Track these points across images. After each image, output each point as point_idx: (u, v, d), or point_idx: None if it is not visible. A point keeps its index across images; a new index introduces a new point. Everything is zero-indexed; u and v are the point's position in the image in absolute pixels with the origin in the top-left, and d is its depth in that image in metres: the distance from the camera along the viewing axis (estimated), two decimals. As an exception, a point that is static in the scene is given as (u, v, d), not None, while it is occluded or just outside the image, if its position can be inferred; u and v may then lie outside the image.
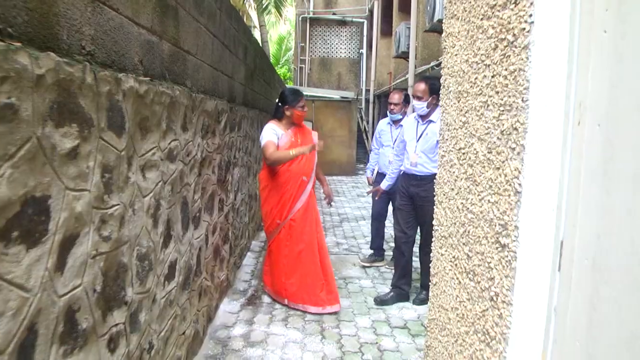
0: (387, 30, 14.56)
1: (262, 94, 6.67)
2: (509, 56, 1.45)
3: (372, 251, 5.39)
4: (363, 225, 7.00)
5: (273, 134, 3.97)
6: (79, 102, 1.51)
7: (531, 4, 1.34)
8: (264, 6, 16.32)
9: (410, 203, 4.15)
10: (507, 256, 1.46)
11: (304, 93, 12.36)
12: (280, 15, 16.81)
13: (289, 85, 19.65)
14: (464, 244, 1.81)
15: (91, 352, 1.63)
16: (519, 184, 1.40)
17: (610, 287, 1.12)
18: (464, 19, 1.82)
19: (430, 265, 2.28)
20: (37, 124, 1.29)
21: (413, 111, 4.34)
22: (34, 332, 1.29)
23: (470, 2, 1.77)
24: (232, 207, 4.48)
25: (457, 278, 1.88)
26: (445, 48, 2.05)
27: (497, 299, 1.52)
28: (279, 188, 3.99)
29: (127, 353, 1.95)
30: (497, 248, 1.52)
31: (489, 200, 1.58)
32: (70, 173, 1.47)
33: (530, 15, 1.34)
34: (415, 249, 4.37)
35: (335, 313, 3.90)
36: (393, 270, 4.49)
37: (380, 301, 4.18)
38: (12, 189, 1.18)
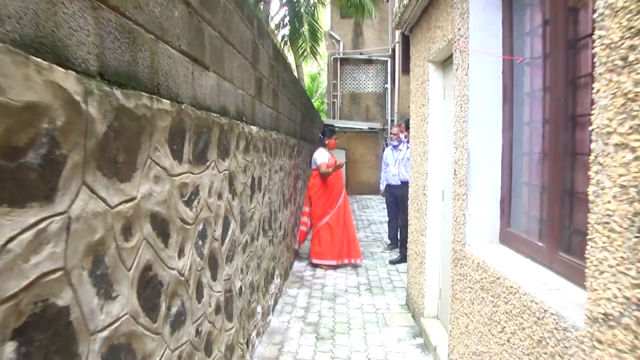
0: (407, 67, 16.93)
1: (309, 129, 9.23)
2: (423, 125, 3.96)
3: (389, 241, 7.64)
4: (385, 225, 9.41)
5: (326, 156, 6.49)
6: (265, 145, 4.06)
7: (428, 107, 3.85)
8: (300, 52, 19.04)
9: (395, 201, 6.74)
10: (425, 198, 3.94)
11: (337, 125, 15.02)
12: (317, 60, 19.47)
13: (323, 117, 22.33)
14: (416, 201, 4.30)
15: (278, 222, 4.16)
16: (427, 170, 3.89)
17: (451, 203, 3.63)
18: (415, 104, 4.35)
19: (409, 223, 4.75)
20: (261, 153, 3.85)
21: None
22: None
23: (417, 97, 4.30)
24: (298, 206, 7.01)
25: (416, 217, 4.36)
26: (410, 113, 4.56)
27: (424, 214, 4.00)
28: (329, 190, 6.42)
29: (279, 241, 4.48)
30: (423, 196, 4.01)
31: (421, 179, 4.08)
32: (264, 170, 4.02)
33: (429, 111, 3.86)
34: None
35: (358, 265, 6.37)
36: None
37: (392, 262, 6.58)
38: (260, 173, 3.73)
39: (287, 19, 19.75)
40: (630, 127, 1.24)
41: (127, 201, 1.50)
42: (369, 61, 21.28)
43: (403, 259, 6.50)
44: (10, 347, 0.98)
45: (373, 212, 11.67)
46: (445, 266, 3.80)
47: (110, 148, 1.40)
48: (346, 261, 6.35)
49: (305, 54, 19.77)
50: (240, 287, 3.12)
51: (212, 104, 2.53)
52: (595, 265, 1.40)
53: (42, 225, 1.09)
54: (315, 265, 6.30)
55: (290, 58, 23.05)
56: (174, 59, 1.96)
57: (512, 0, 2.63)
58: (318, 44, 20.15)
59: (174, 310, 1.91)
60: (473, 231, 2.76)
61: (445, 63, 3.74)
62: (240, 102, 3.23)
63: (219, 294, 2.60)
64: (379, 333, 4.16)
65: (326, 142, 6.68)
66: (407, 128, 6.71)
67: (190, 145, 2.12)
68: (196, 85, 2.25)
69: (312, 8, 19.07)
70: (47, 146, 1.11)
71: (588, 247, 1.45)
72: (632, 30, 1.22)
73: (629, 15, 1.23)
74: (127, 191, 1.51)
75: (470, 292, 2.66)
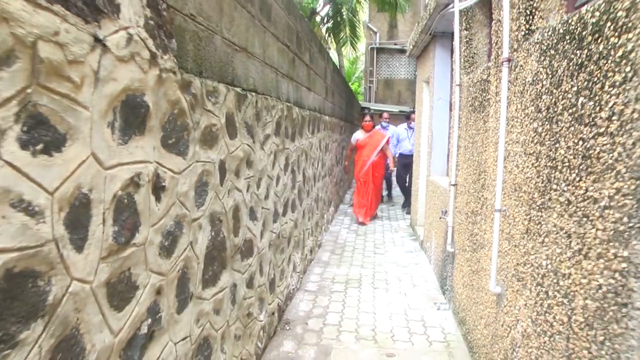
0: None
1: (350, 112, 12.28)
2: (420, 116, 7.05)
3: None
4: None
5: (354, 138, 9.00)
6: (329, 125, 7.20)
7: (422, 107, 6.93)
8: (342, 43, 21.97)
9: (404, 169, 9.54)
10: (419, 157, 7.05)
11: (372, 107, 18.28)
12: (355, 50, 22.35)
13: (360, 99, 25.24)
14: (416, 160, 7.40)
15: (316, 190, 7.33)
16: (420, 142, 6.99)
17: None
18: (417, 103, 7.43)
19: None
20: (328, 131, 6.99)
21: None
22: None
23: (418, 100, 7.37)
24: (342, 166, 10.12)
25: (416, 170, 7.46)
26: (415, 108, 7.62)
27: (418, 166, 7.11)
28: (357, 161, 9.07)
29: (333, 184, 7.64)
30: (418, 157, 7.11)
31: (418, 147, 7.18)
32: (329, 140, 7.16)
33: (422, 109, 6.94)
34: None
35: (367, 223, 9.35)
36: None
37: (403, 206, 9.65)
38: (328, 141, 6.89)
39: (330, 12, 22.64)
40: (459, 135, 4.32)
41: (300, 145, 4.67)
42: (402, 51, 23.98)
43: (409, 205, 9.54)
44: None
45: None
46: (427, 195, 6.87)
47: (297, 127, 4.56)
48: (360, 219, 8.46)
49: (345, 44, 22.72)
50: (322, 197, 6.31)
51: (312, 106, 5.65)
52: (452, 165, 4.49)
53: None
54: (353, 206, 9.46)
55: (333, 46, 25.79)
56: (304, 91, 5.07)
57: (452, 62, 5.65)
58: (357, 37, 23.02)
59: (315, 194, 5.10)
60: (433, 170, 5.85)
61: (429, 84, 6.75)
62: (320, 103, 6.34)
63: (314, 196, 5.79)
64: (392, 234, 7.32)
65: (362, 125, 9.05)
66: (407, 117, 9.63)
67: (311, 126, 5.27)
68: (309, 100, 5.37)
69: (352, 5, 21.96)
70: (298, 127, 4.27)
71: (450, 162, 4.53)
72: (469, 100, 4.29)
73: (467, 92, 4.30)
74: (299, 143, 4.67)
75: (430, 198, 5.77)
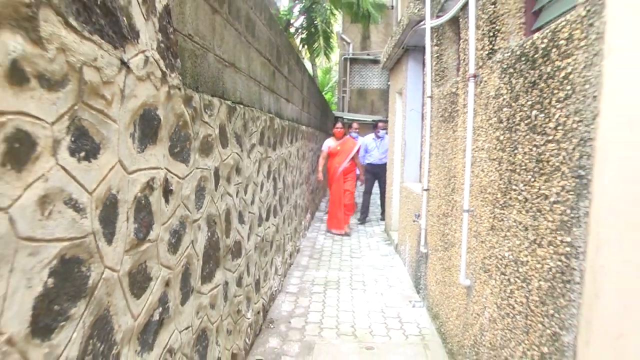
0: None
1: (324, 122, 12.56)
2: (393, 126, 7.36)
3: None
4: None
5: (326, 145, 9.00)
6: (305, 135, 7.44)
7: (395, 116, 7.24)
8: (316, 53, 22.32)
9: (373, 178, 9.61)
10: (392, 165, 7.34)
11: (346, 117, 18.59)
12: (329, 60, 22.72)
13: (333, 108, 25.60)
14: (390, 168, 7.69)
15: (295, 195, 7.56)
16: (394, 150, 7.29)
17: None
18: (391, 113, 7.74)
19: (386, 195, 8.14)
20: (305, 140, 7.23)
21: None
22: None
23: (391, 110, 7.68)
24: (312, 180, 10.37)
25: (389, 177, 7.75)
26: (389, 118, 7.93)
27: (392, 174, 7.40)
28: (329, 169, 9.14)
29: (309, 192, 7.88)
30: (392, 165, 7.41)
31: (391, 155, 7.47)
32: (306, 149, 7.40)
33: (395, 118, 7.25)
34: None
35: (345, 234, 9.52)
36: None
37: (360, 222, 9.88)
38: (304, 150, 7.13)
39: (305, 24, 22.97)
40: (422, 140, 4.61)
41: (281, 154, 4.90)
42: (375, 61, 24.46)
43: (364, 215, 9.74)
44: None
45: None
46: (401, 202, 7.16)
47: (278, 137, 4.79)
48: (334, 231, 8.44)
49: (319, 54, 23.08)
50: (300, 204, 6.53)
51: (290, 117, 5.89)
52: (424, 171, 4.78)
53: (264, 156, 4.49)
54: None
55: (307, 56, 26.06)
56: (283, 103, 5.30)
57: (423, 75, 5.96)
58: (330, 48, 23.38)
59: (294, 201, 5.31)
60: (406, 177, 6.14)
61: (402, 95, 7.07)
62: (297, 113, 6.58)
63: (293, 203, 6.01)
64: (367, 239, 7.59)
65: (333, 132, 8.85)
66: (374, 126, 9.71)
67: (289, 136, 5.51)
68: (287, 110, 5.60)
69: (327, 17, 22.34)
70: (279, 136, 4.50)
71: (422, 169, 4.82)
72: (440, 111, 4.59)
73: (438, 104, 4.60)
74: (280, 152, 4.90)
75: (404, 203, 6.06)
